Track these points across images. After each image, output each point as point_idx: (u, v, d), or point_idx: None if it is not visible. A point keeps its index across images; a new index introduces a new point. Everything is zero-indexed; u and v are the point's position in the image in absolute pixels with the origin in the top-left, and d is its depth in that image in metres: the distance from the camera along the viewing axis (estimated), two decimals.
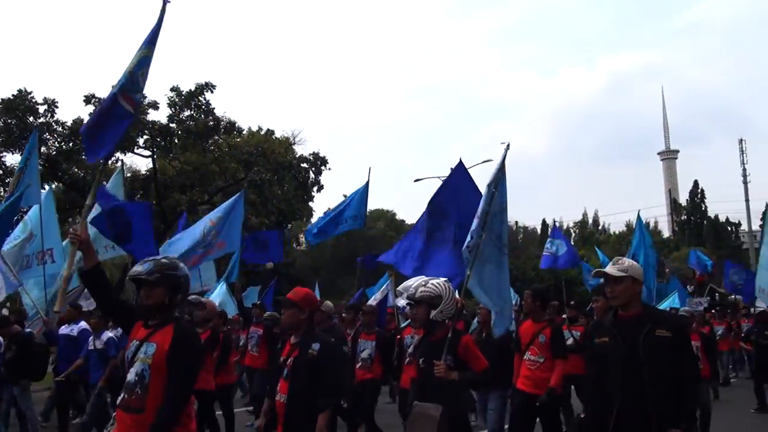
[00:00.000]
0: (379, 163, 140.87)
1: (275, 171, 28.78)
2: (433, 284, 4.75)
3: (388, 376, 8.32)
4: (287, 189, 31.12)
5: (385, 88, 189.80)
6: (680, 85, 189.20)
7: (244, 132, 30.72)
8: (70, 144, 25.35)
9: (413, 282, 7.66)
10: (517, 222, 68.06)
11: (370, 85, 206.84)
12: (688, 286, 19.89)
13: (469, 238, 5.50)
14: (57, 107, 24.70)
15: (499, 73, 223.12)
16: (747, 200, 39.53)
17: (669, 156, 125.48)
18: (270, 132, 32.24)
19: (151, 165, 27.78)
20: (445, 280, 4.91)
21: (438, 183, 40.51)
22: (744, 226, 50.28)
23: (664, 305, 13.32)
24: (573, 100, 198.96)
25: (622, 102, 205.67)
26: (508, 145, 5.71)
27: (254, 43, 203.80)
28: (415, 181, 35.64)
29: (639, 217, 14.75)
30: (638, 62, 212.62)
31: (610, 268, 3.87)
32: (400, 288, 8.79)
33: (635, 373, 3.62)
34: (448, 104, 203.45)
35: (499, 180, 5.55)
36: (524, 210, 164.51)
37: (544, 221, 73.54)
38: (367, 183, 11.47)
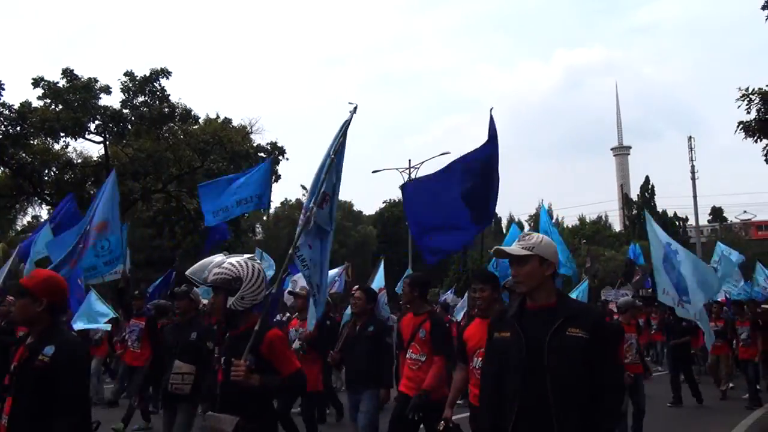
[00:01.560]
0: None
1: (232, 160, 28.48)
2: (229, 264, 3.73)
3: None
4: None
5: (344, 79, 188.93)
6: (634, 82, 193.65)
7: (200, 120, 30.34)
8: (17, 128, 24.61)
9: (210, 261, 6.82)
10: None
11: (330, 75, 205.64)
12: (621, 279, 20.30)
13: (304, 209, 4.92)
14: (3, 90, 23.97)
15: (458, 66, 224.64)
16: (695, 196, 40.82)
17: (621, 152, 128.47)
18: (227, 120, 31.87)
19: (102, 151, 27.21)
20: (247, 258, 3.96)
21: (396, 175, 40.26)
22: (691, 221, 51.98)
23: (572, 294, 13.39)
24: (530, 94, 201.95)
25: (577, 97, 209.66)
26: (355, 108, 4.88)
27: (213, 29, 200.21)
28: (374, 172, 35.67)
29: (542, 206, 14.86)
30: (594, 58, 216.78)
31: (513, 246, 3.11)
32: (191, 270, 7.35)
33: (538, 379, 2.88)
34: (408, 96, 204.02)
35: (340, 147, 4.84)
36: None
37: (495, 214, 74.31)
38: (271, 160, 10.86)
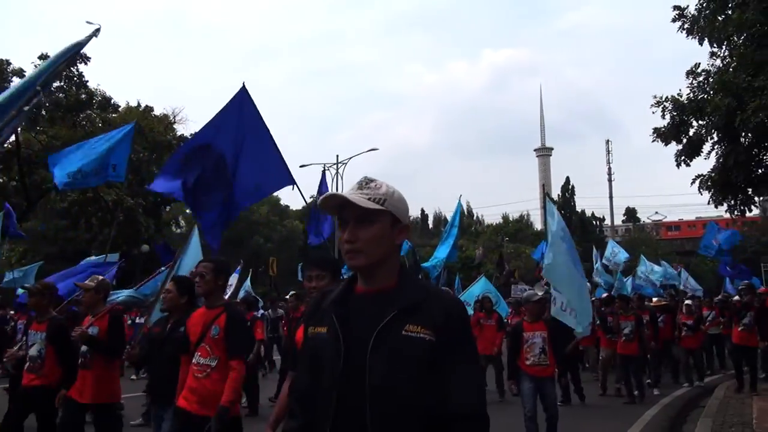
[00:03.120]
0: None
1: (153, 150, 27.54)
2: None
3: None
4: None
5: (271, 71, 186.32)
6: (558, 84, 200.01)
7: (120, 108, 29.24)
8: None
9: None
10: None
11: (256, 67, 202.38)
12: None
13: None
14: None
15: (387, 63, 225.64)
16: (611, 197, 42.66)
17: (544, 153, 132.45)
18: (148, 109, 30.81)
19: (13, 138, 25.74)
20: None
21: (321, 170, 39.96)
22: (607, 221, 54.20)
23: (469, 292, 13.30)
24: (457, 92, 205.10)
25: (503, 97, 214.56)
26: (98, 29, 4.81)
27: (136, 16, 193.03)
28: (301, 167, 35.17)
29: (459, 202, 15.22)
30: (520, 58, 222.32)
31: (352, 194, 1.99)
32: None
33: (355, 401, 1.90)
34: (336, 92, 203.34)
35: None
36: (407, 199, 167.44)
37: (422, 211, 75.44)
38: (132, 129, 9.26)
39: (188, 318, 4.41)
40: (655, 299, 13.80)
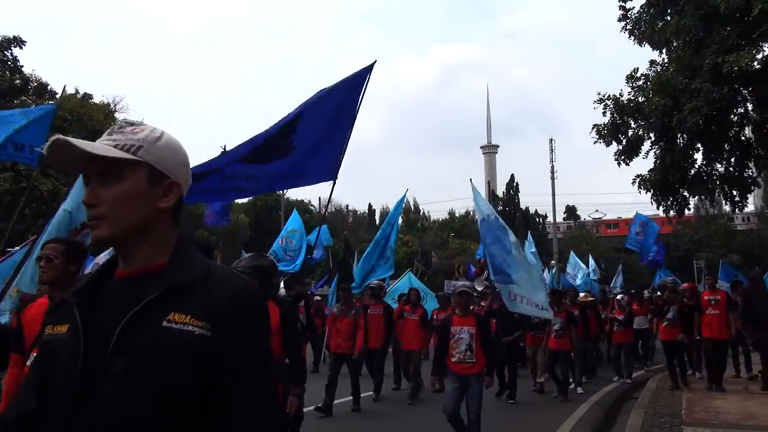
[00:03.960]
0: (209, 138, 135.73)
1: (93, 139, 26.56)
2: None
3: None
4: None
5: (214, 63, 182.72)
6: (505, 83, 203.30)
7: (57, 95, 28.15)
8: None
9: None
10: (347, 205, 69.29)
11: (200, 56, 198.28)
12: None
13: None
14: None
15: (335, 56, 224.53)
16: (553, 194, 43.51)
17: (490, 150, 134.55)
18: (87, 96, 29.75)
19: None
20: None
21: None
22: (550, 218, 55.34)
23: (394, 288, 13.20)
24: (405, 87, 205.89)
25: (451, 94, 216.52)
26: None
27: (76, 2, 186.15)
28: None
29: (404, 195, 14.94)
30: (468, 55, 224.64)
31: (97, 142, 1.49)
32: None
33: (89, 420, 1.29)
34: (283, 85, 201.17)
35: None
36: (353, 194, 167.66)
37: (370, 206, 75.54)
38: (53, 110, 8.24)
39: (25, 308, 3.43)
40: (581, 294, 14.02)
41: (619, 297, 14.23)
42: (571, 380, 11.40)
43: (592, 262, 20.56)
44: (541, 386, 11.16)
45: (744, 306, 9.77)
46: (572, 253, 19.66)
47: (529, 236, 19.17)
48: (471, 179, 10.50)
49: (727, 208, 58.27)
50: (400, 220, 14.52)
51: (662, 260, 20.45)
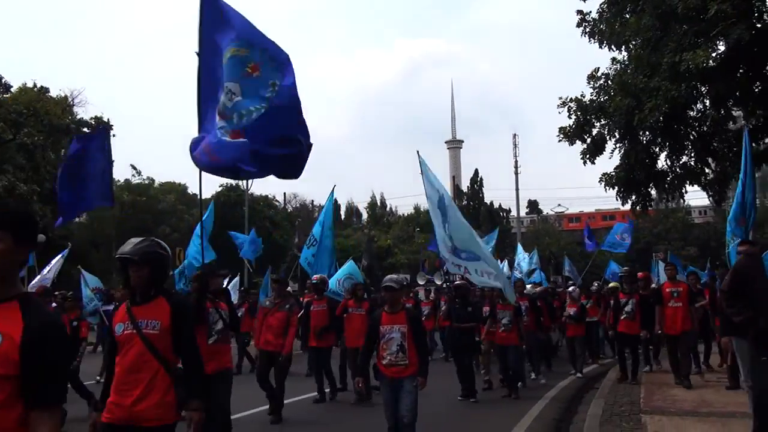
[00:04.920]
0: (171, 133, 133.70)
1: (49, 134, 25.99)
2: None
3: None
4: (64, 154, 28.30)
5: (177, 54, 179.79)
6: (471, 78, 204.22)
7: (12, 88, 27.43)
8: None
9: None
10: (313, 201, 69.05)
11: (163, 49, 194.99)
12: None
13: None
14: None
15: (297, 50, 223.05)
16: (517, 189, 44.13)
17: (455, 145, 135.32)
18: (44, 90, 29.03)
19: None
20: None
21: None
22: (514, 213, 56.06)
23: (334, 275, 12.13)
24: (370, 82, 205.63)
25: (416, 88, 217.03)
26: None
27: None
28: None
29: (332, 192, 13.72)
30: (434, 50, 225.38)
31: None
32: None
33: None
34: None
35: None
36: (318, 189, 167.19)
37: (335, 201, 75.28)
38: None
39: None
40: (529, 286, 13.57)
41: (570, 289, 13.91)
42: (533, 374, 11.14)
43: (535, 255, 20.88)
44: (489, 383, 10.63)
45: (733, 283, 8.50)
46: (519, 246, 19.94)
47: (496, 231, 19.36)
48: (418, 151, 9.68)
49: (684, 202, 60.07)
50: (331, 218, 13.08)
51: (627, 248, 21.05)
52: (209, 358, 5.67)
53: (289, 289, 14.59)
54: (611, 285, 15.10)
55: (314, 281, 10.99)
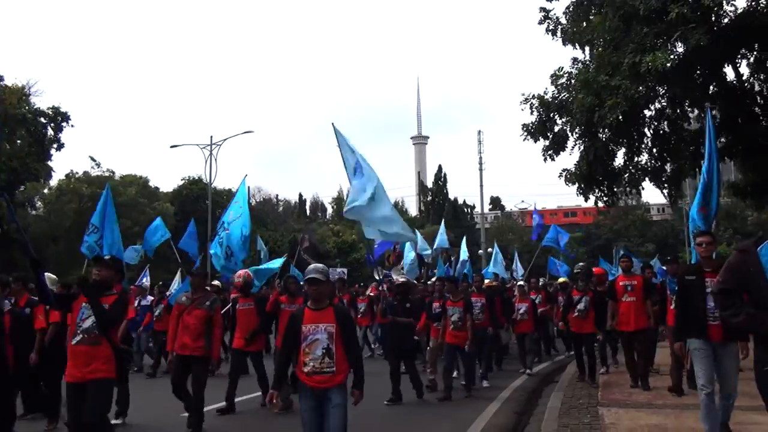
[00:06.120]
0: (132, 125, 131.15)
1: (4, 123, 25.26)
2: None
3: None
4: (20, 145, 27.54)
5: (140, 45, 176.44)
6: (436, 74, 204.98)
7: None
8: None
9: None
10: (277, 195, 68.60)
11: (123, 38, 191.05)
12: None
13: None
14: None
15: (265, 46, 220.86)
16: (481, 185, 44.47)
17: (420, 141, 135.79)
18: None
19: None
20: None
21: (197, 151, 38.83)
22: (478, 209, 56.54)
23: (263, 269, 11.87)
24: (336, 75, 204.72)
25: (382, 83, 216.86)
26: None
27: None
28: (172, 147, 33.69)
29: (243, 181, 12.94)
30: (399, 45, 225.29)
31: None
32: None
33: None
34: (210, 70, 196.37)
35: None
36: (283, 184, 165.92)
37: (300, 195, 75.12)
38: None
39: None
40: (487, 280, 13.32)
41: (520, 284, 13.61)
42: (484, 382, 10.53)
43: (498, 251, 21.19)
44: (433, 383, 10.02)
45: (732, 281, 6.56)
46: (463, 239, 20.06)
47: (464, 245, 19.30)
48: (333, 123, 9.35)
49: (644, 199, 61.45)
50: (248, 209, 12.37)
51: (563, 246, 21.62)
52: (74, 362, 5.30)
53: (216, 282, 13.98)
54: (561, 280, 15.33)
55: (237, 279, 9.57)
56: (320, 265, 5.01)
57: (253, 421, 8.32)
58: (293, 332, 4.81)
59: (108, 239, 10.42)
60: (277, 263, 12.73)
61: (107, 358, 5.35)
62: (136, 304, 13.08)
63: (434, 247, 19.61)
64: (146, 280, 16.24)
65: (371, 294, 16.08)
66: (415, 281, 14.97)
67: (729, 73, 12.88)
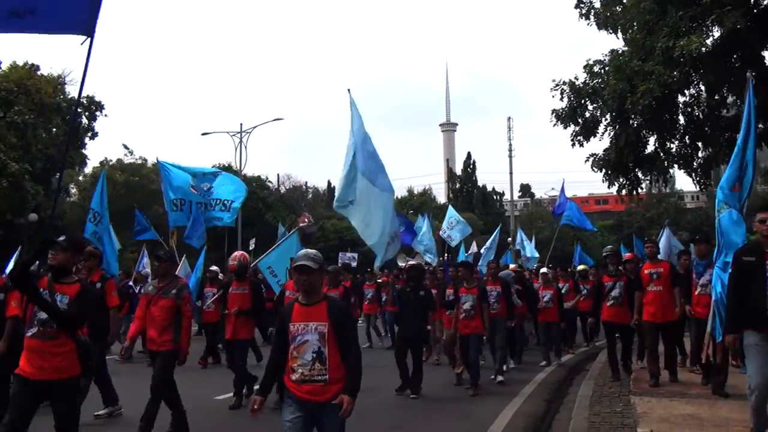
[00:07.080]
0: (164, 114, 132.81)
1: (40, 112, 25.79)
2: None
3: None
4: (55, 133, 28.12)
5: (172, 34, 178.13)
6: (466, 60, 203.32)
7: (1, 65, 27.17)
8: None
9: None
10: (306, 182, 68.94)
11: (156, 29, 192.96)
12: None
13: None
14: None
15: (292, 33, 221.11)
16: (511, 173, 44.04)
17: (449, 128, 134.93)
18: (34, 68, 28.74)
19: None
20: None
21: (227, 138, 39.24)
22: (507, 196, 56.11)
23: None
24: (364, 63, 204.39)
25: (410, 70, 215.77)
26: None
27: None
28: (203, 134, 34.16)
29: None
30: (428, 32, 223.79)
31: None
32: None
33: None
34: (240, 58, 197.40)
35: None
36: (312, 171, 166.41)
37: (329, 183, 75.42)
38: None
39: None
40: (512, 266, 12.86)
41: (543, 271, 12.53)
42: (500, 376, 9.60)
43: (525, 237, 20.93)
44: (459, 378, 9.50)
45: None
46: (521, 231, 19.97)
47: (497, 231, 19.13)
48: (349, 90, 9.01)
49: (678, 187, 60.30)
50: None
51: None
52: (28, 357, 4.42)
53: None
54: (580, 268, 14.41)
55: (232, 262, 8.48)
56: (312, 251, 4.14)
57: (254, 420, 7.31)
58: (281, 332, 4.02)
59: (105, 223, 10.86)
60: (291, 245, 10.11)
61: (67, 353, 4.48)
62: (136, 292, 12.50)
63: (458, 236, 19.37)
64: (146, 264, 15.23)
65: (380, 281, 15.14)
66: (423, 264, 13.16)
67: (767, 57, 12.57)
